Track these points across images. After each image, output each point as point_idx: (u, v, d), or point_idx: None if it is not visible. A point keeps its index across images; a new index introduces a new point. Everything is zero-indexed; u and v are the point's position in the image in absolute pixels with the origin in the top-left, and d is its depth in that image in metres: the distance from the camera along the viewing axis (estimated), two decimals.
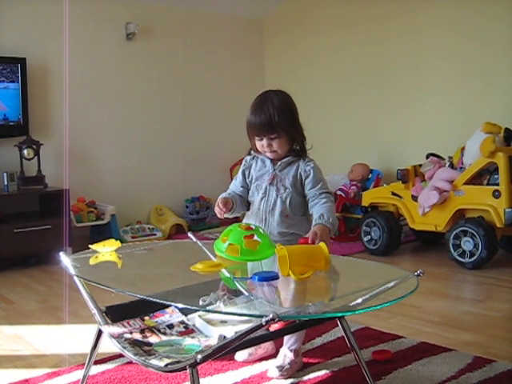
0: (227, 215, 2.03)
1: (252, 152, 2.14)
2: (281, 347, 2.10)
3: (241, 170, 2.16)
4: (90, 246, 2.02)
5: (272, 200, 2.03)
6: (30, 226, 3.92)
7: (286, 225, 2.01)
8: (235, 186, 2.15)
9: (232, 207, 2.02)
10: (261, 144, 2.03)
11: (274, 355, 2.15)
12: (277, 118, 1.96)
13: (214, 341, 1.60)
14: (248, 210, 2.12)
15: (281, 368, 2.03)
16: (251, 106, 2.04)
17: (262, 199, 2.05)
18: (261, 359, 2.17)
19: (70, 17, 4.52)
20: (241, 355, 2.16)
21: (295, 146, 2.07)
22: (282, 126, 1.98)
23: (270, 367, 2.06)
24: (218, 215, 2.01)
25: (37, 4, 4.47)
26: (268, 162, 2.08)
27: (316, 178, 2.03)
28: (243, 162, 2.16)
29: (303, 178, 2.03)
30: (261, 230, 1.81)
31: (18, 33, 4.37)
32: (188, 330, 1.74)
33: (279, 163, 2.06)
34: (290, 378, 2.02)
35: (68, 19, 4.50)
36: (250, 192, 2.11)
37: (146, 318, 1.81)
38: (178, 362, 1.46)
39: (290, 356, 2.06)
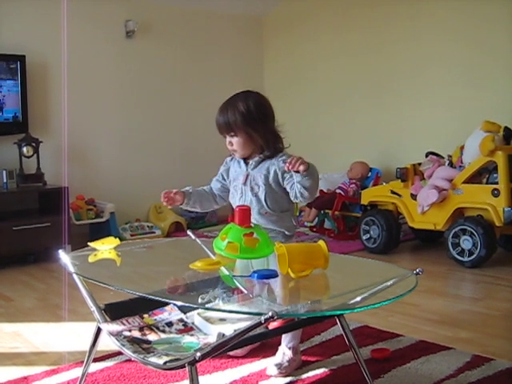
0: (182, 206, 2.16)
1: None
2: (279, 345, 2.11)
3: (220, 170, 2.23)
4: (88, 243, 2.02)
5: (248, 199, 2.07)
6: (29, 223, 3.92)
7: (266, 222, 2.03)
8: (213, 183, 2.24)
9: (184, 201, 2.13)
10: (226, 143, 2.11)
11: (270, 352, 2.16)
12: (233, 118, 2.03)
13: (212, 339, 1.60)
14: (218, 205, 2.23)
15: (279, 366, 2.03)
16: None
17: (239, 200, 2.10)
18: (260, 357, 2.17)
19: (70, 14, 4.51)
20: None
21: (265, 145, 2.08)
22: (238, 125, 2.03)
23: (269, 365, 2.06)
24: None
25: (36, 1, 4.47)
26: (242, 163, 2.14)
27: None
28: (223, 163, 2.23)
29: (279, 176, 2.05)
30: (260, 228, 1.81)
31: (18, 30, 4.37)
32: (187, 328, 1.74)
33: (251, 162, 2.10)
34: (288, 376, 2.02)
35: (67, 17, 4.49)
36: (230, 194, 2.17)
37: (145, 315, 1.81)
38: (176, 360, 1.46)
39: (289, 354, 2.06)
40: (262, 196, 2.05)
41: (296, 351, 2.08)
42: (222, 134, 2.09)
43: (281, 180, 2.04)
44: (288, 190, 2.03)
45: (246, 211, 1.80)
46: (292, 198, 2.03)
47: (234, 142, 2.06)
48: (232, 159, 2.19)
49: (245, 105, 2.05)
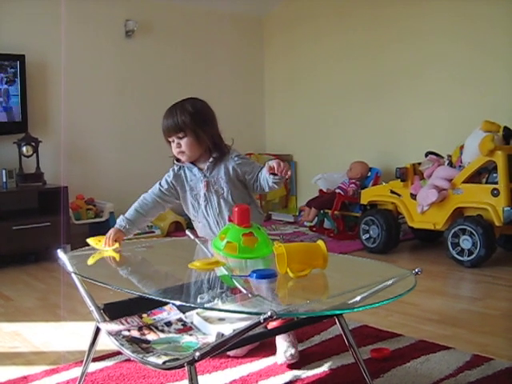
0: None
1: (175, 162, 2.19)
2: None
3: (168, 179, 2.19)
4: (87, 239, 2.03)
5: (215, 204, 2.10)
6: (28, 223, 3.92)
7: None
8: (154, 190, 2.19)
9: (125, 236, 2.10)
10: (173, 146, 2.12)
11: (269, 351, 2.16)
12: (183, 117, 2.06)
13: (211, 338, 1.60)
14: (164, 210, 2.21)
15: (290, 353, 2.06)
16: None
17: (206, 206, 2.12)
18: (260, 357, 2.17)
19: (69, 14, 4.52)
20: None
21: (213, 147, 2.12)
22: (187, 124, 2.05)
23: (278, 355, 2.08)
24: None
25: (36, 1, 4.46)
26: (196, 170, 2.14)
27: (249, 164, 2.11)
28: (171, 173, 2.20)
29: (239, 172, 2.10)
30: (259, 228, 1.81)
31: (17, 30, 4.36)
32: (186, 328, 1.74)
33: (206, 167, 2.12)
34: (292, 367, 2.06)
35: (67, 16, 4.49)
36: (188, 204, 2.17)
37: (144, 315, 1.81)
38: (175, 360, 1.46)
39: (290, 339, 2.09)
40: (228, 197, 2.09)
41: (294, 335, 2.12)
42: (170, 136, 2.10)
43: (241, 176, 2.09)
44: (251, 183, 2.09)
45: (245, 211, 1.80)
46: (256, 190, 2.10)
47: (183, 143, 2.08)
48: (180, 168, 2.18)
49: (193, 106, 2.10)
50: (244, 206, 1.85)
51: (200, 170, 2.13)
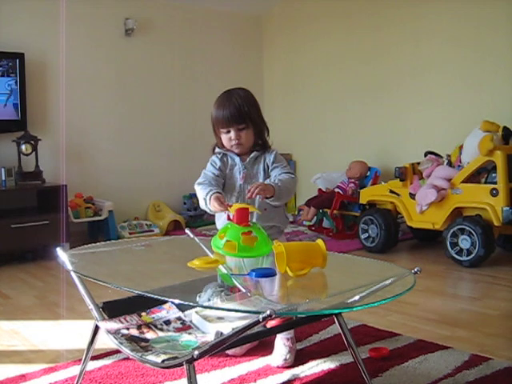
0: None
1: (217, 149, 2.13)
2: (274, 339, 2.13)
3: (215, 160, 2.11)
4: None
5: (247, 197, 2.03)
6: (27, 221, 3.92)
7: (265, 218, 2.03)
8: (212, 173, 2.08)
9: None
10: (228, 137, 2.05)
11: (268, 350, 2.16)
12: (246, 107, 2.01)
13: (210, 337, 1.60)
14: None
15: (284, 357, 2.06)
16: (216, 102, 2.06)
17: (238, 198, 2.07)
18: (258, 356, 2.17)
19: (69, 12, 4.52)
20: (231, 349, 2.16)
21: (261, 139, 2.10)
22: (250, 116, 2.02)
23: (273, 357, 2.09)
24: (217, 210, 1.95)
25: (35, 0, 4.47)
26: (237, 160, 2.10)
27: (279, 163, 2.08)
28: (211, 163, 2.12)
29: (269, 168, 2.07)
30: (258, 227, 1.81)
31: (17, 28, 4.36)
32: (185, 326, 1.74)
33: (248, 160, 2.08)
34: (290, 366, 2.06)
35: (66, 14, 4.49)
36: (224, 190, 2.10)
37: (143, 313, 1.80)
38: (174, 358, 1.46)
39: (289, 344, 2.09)
40: None
41: (293, 341, 2.12)
42: (230, 126, 2.02)
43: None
44: None
45: (244, 211, 1.79)
46: None
47: (243, 135, 2.03)
48: (222, 157, 2.12)
49: (250, 97, 2.05)
50: (243, 205, 1.83)
51: (242, 160, 2.09)
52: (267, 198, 1.93)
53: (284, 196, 1.97)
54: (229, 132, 2.04)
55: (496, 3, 4.12)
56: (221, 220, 2.11)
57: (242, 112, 2.00)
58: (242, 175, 2.08)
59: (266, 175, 2.07)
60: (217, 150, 2.15)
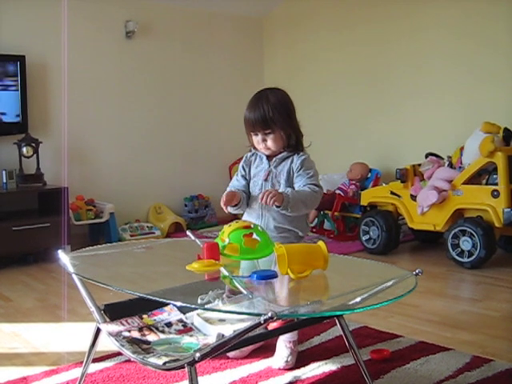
0: (231, 210, 2.06)
1: (252, 149, 2.17)
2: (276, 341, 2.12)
3: (240, 166, 2.19)
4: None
5: None
6: (28, 223, 3.92)
7: (283, 220, 2.03)
8: (238, 182, 2.17)
9: (239, 202, 2.06)
10: (256, 140, 2.08)
11: (269, 352, 2.16)
12: (271, 113, 2.01)
13: (212, 339, 1.60)
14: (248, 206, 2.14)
15: (285, 359, 2.07)
16: (248, 102, 2.09)
17: (258, 195, 2.06)
18: (259, 358, 2.17)
19: (70, 14, 4.52)
20: (232, 352, 2.16)
21: (291, 141, 2.09)
22: (275, 121, 2.02)
23: (275, 359, 2.09)
24: (224, 208, 2.03)
25: (36, 2, 4.46)
26: (264, 159, 2.12)
27: (305, 172, 2.05)
28: (243, 158, 2.20)
29: (294, 172, 2.06)
30: (259, 229, 1.81)
31: (18, 30, 4.36)
32: (186, 329, 1.74)
33: (274, 159, 2.10)
34: (292, 368, 2.06)
35: (67, 17, 4.50)
36: (250, 188, 2.14)
37: (145, 316, 1.81)
38: (176, 361, 1.46)
39: (290, 346, 2.09)
40: None
41: (295, 343, 2.12)
42: (256, 130, 2.05)
43: (293, 179, 2.06)
44: None
45: (213, 245, 1.71)
46: None
47: (270, 139, 2.04)
48: (253, 154, 2.17)
49: (279, 100, 2.05)
50: (213, 243, 1.73)
51: (268, 159, 2.11)
52: (277, 206, 1.92)
53: (295, 208, 1.95)
54: (257, 135, 2.07)
55: (499, 1, 4.12)
56: (244, 216, 2.15)
57: (266, 118, 2.01)
58: (265, 173, 2.09)
59: (290, 178, 2.06)
60: (251, 150, 2.18)
